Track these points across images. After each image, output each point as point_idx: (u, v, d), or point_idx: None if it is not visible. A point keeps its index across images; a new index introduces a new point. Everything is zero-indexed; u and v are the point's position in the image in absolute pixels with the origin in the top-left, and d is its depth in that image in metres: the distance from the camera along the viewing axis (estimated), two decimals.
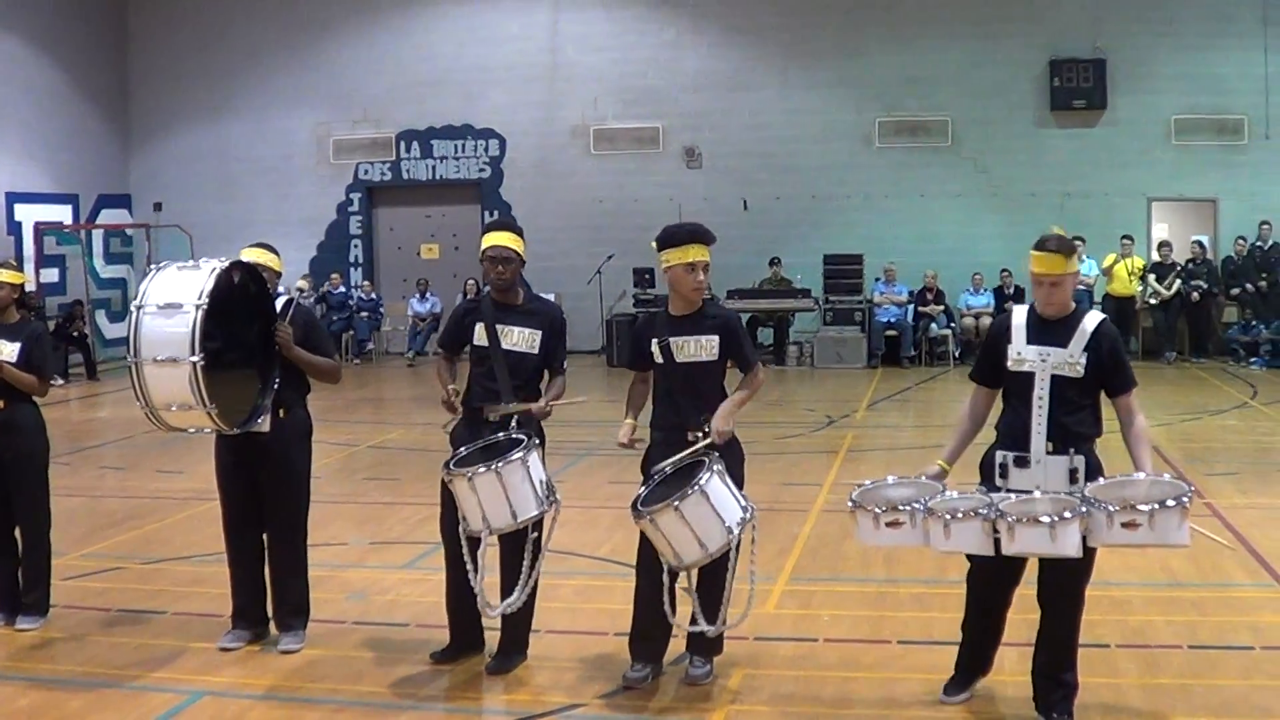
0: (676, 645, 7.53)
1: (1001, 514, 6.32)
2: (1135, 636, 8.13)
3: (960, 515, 6.40)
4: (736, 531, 6.90)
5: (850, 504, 6.76)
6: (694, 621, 7.14)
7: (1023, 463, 6.66)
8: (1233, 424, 17.23)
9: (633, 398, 7.72)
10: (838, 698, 7.23)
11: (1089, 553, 6.43)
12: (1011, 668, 7.26)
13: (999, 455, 6.78)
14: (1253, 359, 23.62)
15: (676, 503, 6.77)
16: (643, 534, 7.18)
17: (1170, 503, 6.06)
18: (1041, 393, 6.64)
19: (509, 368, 7.66)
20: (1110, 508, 6.14)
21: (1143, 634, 8.19)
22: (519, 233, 7.92)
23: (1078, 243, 24.70)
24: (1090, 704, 6.88)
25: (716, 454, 7.12)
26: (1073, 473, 6.58)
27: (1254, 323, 24.07)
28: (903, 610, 8.89)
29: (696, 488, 6.81)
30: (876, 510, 6.62)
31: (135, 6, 29.66)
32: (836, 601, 9.19)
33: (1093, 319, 6.78)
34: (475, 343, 7.79)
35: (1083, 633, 6.93)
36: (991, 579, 6.91)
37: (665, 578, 7.06)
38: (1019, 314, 6.92)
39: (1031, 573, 6.82)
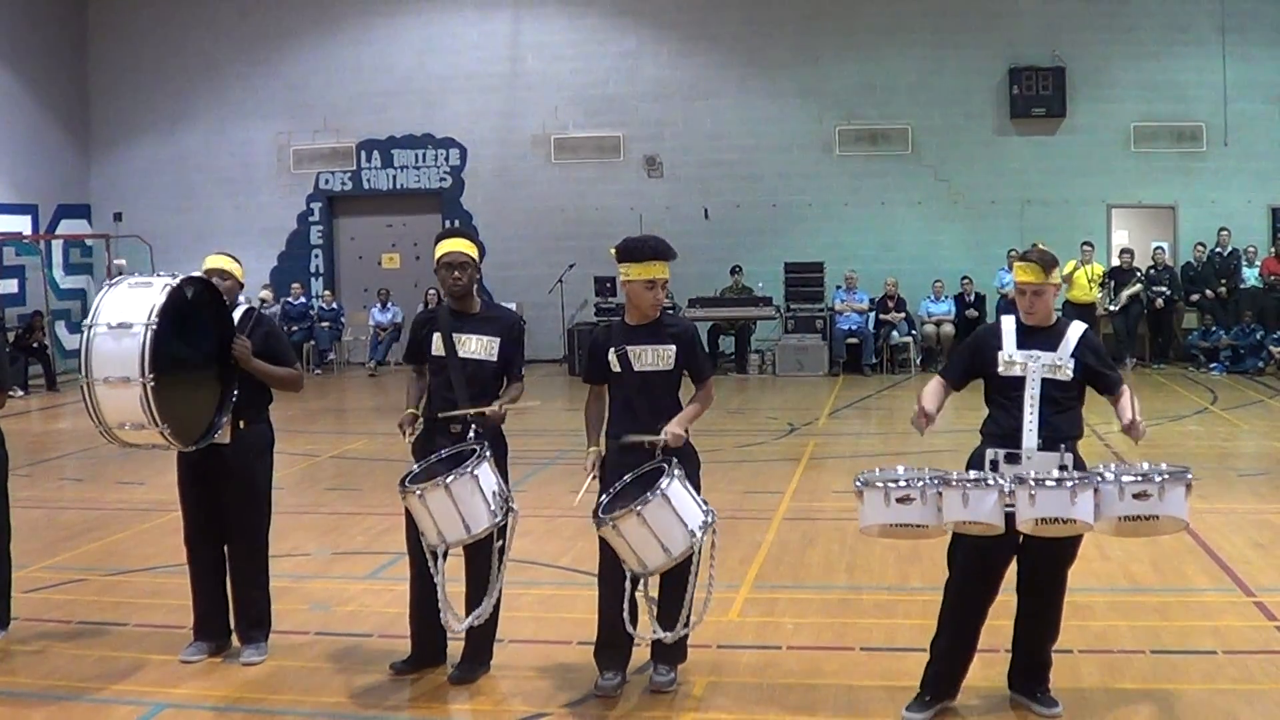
0: (641, 653, 7.53)
1: (1021, 480, 6.43)
2: (1098, 642, 8.15)
3: (978, 484, 6.50)
4: (699, 535, 6.91)
5: (858, 484, 6.75)
6: (655, 629, 7.15)
7: (1014, 459, 6.81)
8: (1193, 429, 17.32)
9: (591, 420, 7.66)
10: (801, 705, 7.23)
11: (1077, 539, 6.78)
12: (969, 678, 7.28)
13: (989, 453, 6.92)
14: (1212, 364, 23.81)
15: (639, 508, 6.77)
16: (603, 542, 7.16)
17: (1178, 475, 6.40)
18: (1033, 393, 6.85)
19: (467, 376, 7.64)
20: (1124, 479, 6.39)
21: (1105, 639, 8.22)
22: (472, 239, 7.94)
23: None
24: None
25: (675, 459, 7.12)
26: (1061, 469, 6.70)
27: (1214, 328, 24.23)
28: (866, 617, 8.89)
29: (659, 492, 6.81)
30: (888, 485, 6.64)
31: (95, 17, 29.45)
32: (799, 609, 9.19)
33: (1076, 329, 7.07)
34: (433, 353, 7.77)
35: None
36: (975, 588, 6.94)
37: (627, 585, 7.06)
38: (1008, 321, 7.15)
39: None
